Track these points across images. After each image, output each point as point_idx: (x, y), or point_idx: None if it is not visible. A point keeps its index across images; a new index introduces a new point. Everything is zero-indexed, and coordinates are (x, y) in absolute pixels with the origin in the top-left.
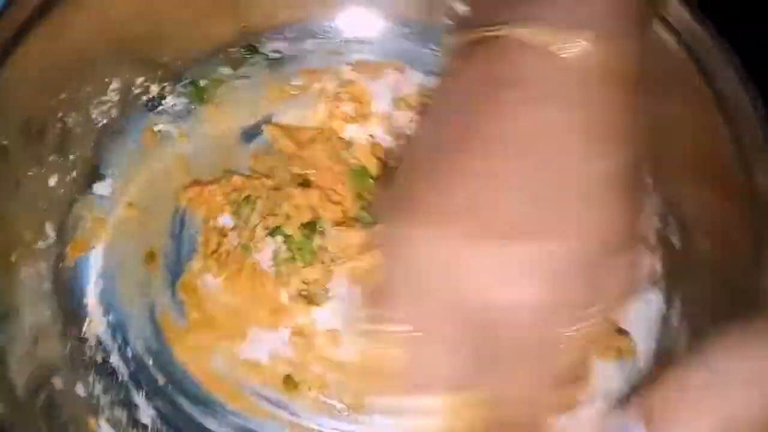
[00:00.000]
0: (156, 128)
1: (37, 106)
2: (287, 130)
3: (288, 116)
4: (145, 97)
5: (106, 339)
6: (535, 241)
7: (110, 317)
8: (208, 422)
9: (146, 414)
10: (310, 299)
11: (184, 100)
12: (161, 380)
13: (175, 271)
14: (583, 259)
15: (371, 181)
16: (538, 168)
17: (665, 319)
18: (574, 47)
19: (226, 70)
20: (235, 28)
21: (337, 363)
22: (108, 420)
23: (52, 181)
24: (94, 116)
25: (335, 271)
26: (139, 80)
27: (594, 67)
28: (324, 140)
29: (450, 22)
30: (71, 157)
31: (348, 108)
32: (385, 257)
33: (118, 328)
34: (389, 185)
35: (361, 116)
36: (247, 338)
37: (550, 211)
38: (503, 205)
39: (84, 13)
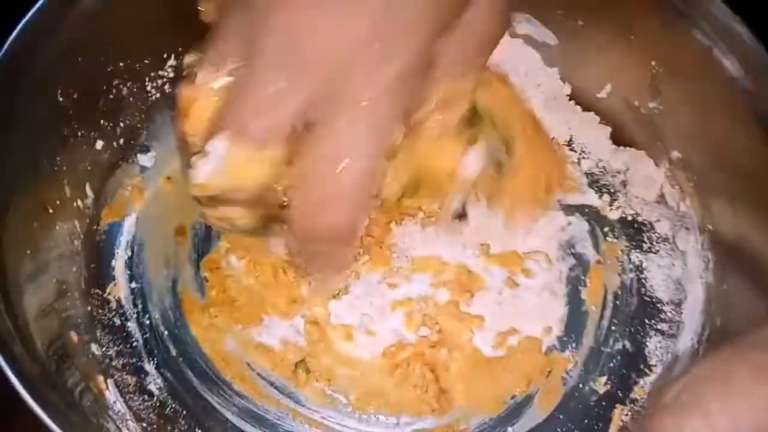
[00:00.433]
0: None
1: (97, 70)
2: None
3: None
4: None
5: (127, 304)
6: None
7: (134, 284)
8: (213, 400)
9: (154, 383)
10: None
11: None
12: (173, 352)
13: (203, 248)
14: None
15: None
16: None
17: None
18: None
19: None
20: None
21: (348, 358)
22: (117, 382)
23: (99, 144)
24: (148, 89)
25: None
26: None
27: None
28: None
29: None
30: (121, 124)
31: None
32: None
33: (139, 296)
34: None
35: None
36: (263, 323)
37: None
38: None
39: None
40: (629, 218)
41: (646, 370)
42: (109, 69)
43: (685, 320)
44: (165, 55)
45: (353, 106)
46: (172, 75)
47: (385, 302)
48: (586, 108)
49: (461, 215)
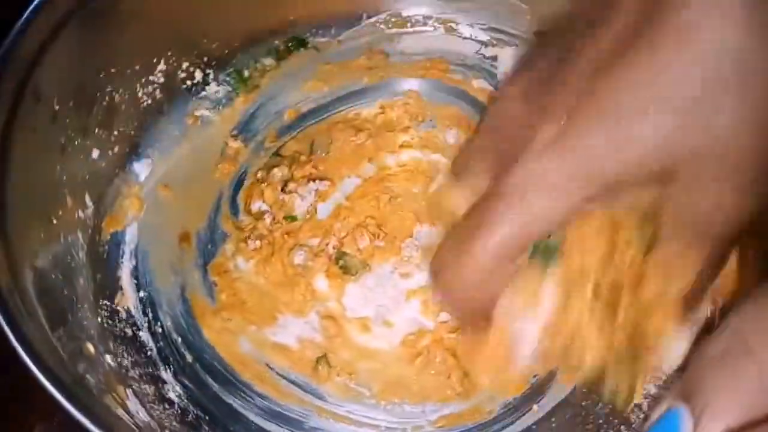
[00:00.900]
0: (197, 113)
1: (89, 77)
2: None
3: None
4: (189, 82)
5: (137, 314)
6: None
7: (141, 293)
8: (235, 403)
9: (173, 391)
10: (346, 269)
11: (227, 87)
12: (189, 358)
13: (208, 252)
14: None
15: None
16: None
17: None
18: None
19: (269, 61)
20: (282, 20)
21: (368, 350)
22: (135, 392)
23: (95, 153)
24: (139, 95)
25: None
26: (185, 65)
27: None
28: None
29: None
30: (115, 132)
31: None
32: None
33: (148, 304)
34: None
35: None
36: (277, 322)
37: None
38: None
39: None
40: None
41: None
42: (101, 75)
43: None
44: (154, 60)
45: None
46: (162, 80)
47: (400, 292)
48: None
49: None
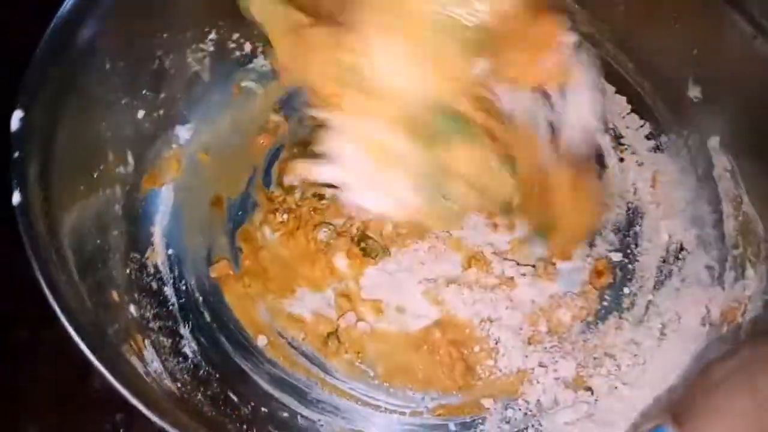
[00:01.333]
0: (243, 84)
1: (141, 39)
2: None
3: None
4: (238, 53)
5: (164, 269)
6: None
7: (170, 250)
8: (246, 366)
9: (189, 346)
10: (366, 252)
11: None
12: (207, 317)
13: (238, 219)
14: None
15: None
16: None
17: None
18: None
19: None
20: None
21: (378, 332)
22: (153, 343)
23: (141, 113)
24: (189, 61)
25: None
26: (236, 36)
27: None
28: None
29: None
30: (162, 95)
31: None
32: None
33: (176, 262)
34: None
35: None
36: (295, 294)
37: None
38: None
39: None
40: None
41: None
42: (153, 40)
43: None
44: (206, 29)
45: None
46: (212, 49)
47: (416, 280)
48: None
49: None
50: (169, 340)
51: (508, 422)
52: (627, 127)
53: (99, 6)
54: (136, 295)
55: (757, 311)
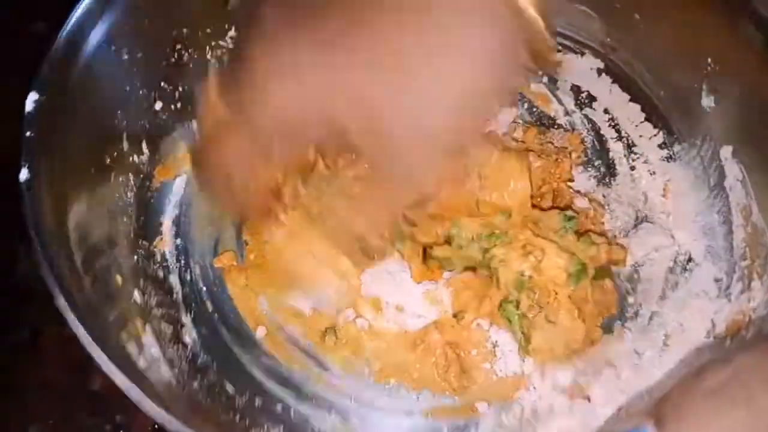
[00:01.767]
0: None
1: (162, 33)
2: None
3: None
4: None
5: (171, 258)
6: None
7: (178, 240)
8: (243, 357)
9: (189, 335)
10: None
11: None
12: (210, 308)
13: None
14: None
15: None
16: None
17: None
18: None
19: None
20: None
21: (375, 330)
22: (154, 329)
23: (158, 105)
24: (208, 56)
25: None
26: None
27: None
28: None
29: None
30: (180, 89)
31: None
32: None
33: (182, 252)
34: None
35: None
36: (296, 289)
37: None
38: None
39: None
40: None
41: None
42: (173, 33)
43: None
44: (226, 26)
45: None
46: (231, 46)
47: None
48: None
49: None
50: (171, 327)
51: (502, 427)
52: (640, 136)
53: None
54: (141, 282)
55: (761, 322)
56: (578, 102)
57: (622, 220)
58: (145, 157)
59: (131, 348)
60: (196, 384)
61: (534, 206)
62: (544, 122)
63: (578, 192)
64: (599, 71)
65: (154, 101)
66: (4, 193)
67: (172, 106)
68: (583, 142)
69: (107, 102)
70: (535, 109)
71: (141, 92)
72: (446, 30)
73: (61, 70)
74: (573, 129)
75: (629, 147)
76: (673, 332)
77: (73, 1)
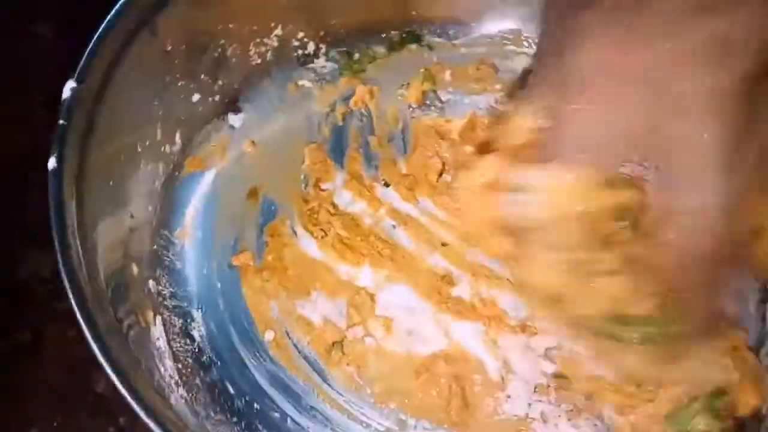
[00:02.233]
0: (300, 83)
1: (207, 26)
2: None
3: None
4: (300, 52)
5: (189, 251)
6: None
7: (199, 233)
8: (248, 359)
9: (198, 330)
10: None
11: (334, 65)
12: (221, 305)
13: (270, 213)
14: None
15: None
16: None
17: None
18: None
19: (381, 50)
20: (405, 12)
21: (382, 350)
22: (164, 321)
23: (196, 97)
24: (251, 53)
25: None
26: (300, 34)
27: None
28: None
29: None
30: (219, 82)
31: None
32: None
33: (202, 246)
34: None
35: None
36: (309, 297)
37: None
38: None
39: None
40: None
41: None
42: (218, 27)
43: None
44: (272, 24)
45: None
46: (275, 44)
47: (431, 306)
48: None
49: None
50: (180, 321)
51: None
52: None
53: None
54: (157, 271)
55: None
56: None
57: None
58: (177, 147)
59: (133, 338)
60: (198, 380)
61: None
62: None
63: None
64: None
65: (193, 93)
66: (4, 194)
67: (210, 99)
68: None
69: (145, 91)
70: None
71: (180, 83)
72: None
73: (101, 55)
74: None
75: None
76: None
77: (73, 1)
